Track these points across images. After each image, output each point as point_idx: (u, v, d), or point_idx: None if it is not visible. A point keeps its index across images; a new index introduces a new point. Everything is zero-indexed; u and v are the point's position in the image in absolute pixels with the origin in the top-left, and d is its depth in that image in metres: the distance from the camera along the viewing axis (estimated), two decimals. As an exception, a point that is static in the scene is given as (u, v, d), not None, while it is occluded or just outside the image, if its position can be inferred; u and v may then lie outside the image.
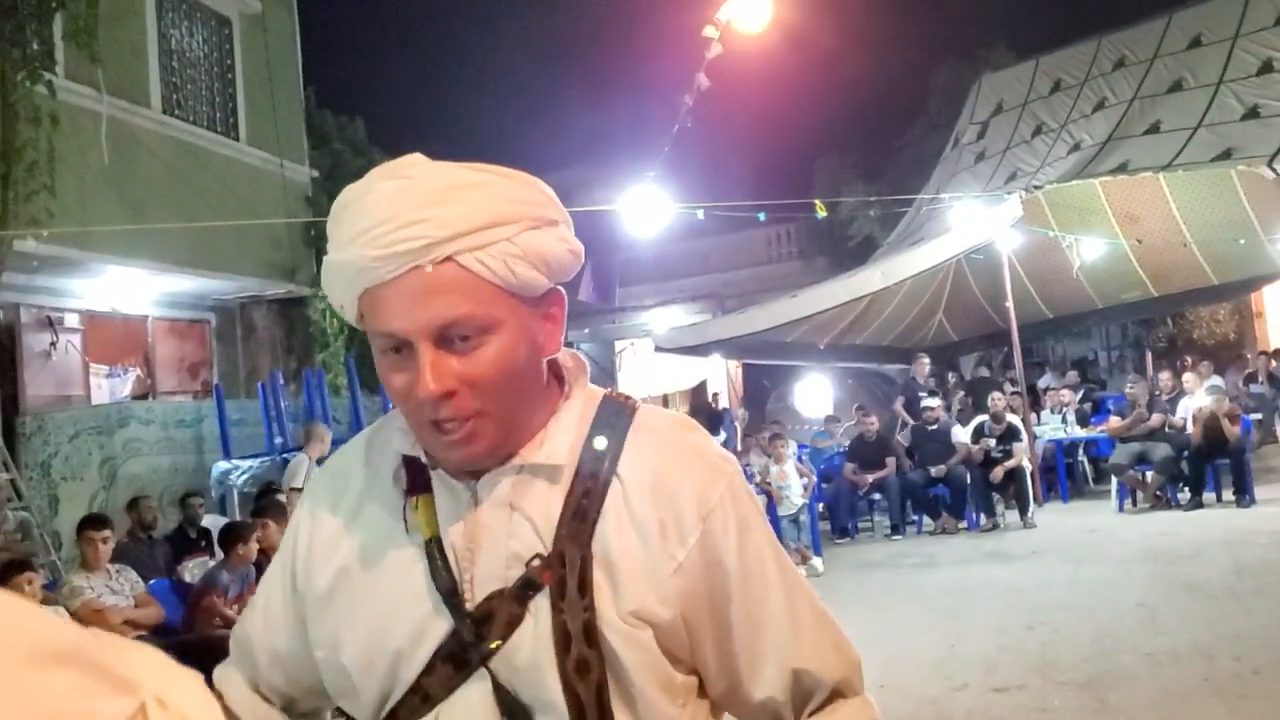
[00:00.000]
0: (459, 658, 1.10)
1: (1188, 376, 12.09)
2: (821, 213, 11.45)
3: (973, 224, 13.06)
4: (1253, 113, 12.35)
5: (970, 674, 5.50)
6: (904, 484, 11.53)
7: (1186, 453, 11.19)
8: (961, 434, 11.89)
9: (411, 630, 1.11)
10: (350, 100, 15.28)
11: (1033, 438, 12.52)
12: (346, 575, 1.17)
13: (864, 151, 22.12)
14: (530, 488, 1.12)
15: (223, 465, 9.65)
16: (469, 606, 1.10)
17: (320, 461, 8.29)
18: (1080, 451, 13.62)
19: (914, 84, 22.45)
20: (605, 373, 23.95)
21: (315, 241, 12.46)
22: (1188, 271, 15.32)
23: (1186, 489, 11.22)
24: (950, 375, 18.51)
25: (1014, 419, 12.09)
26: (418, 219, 1.02)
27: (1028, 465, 11.63)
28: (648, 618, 1.09)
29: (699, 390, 18.85)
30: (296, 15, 13.09)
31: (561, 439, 1.14)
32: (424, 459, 1.16)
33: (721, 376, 20.17)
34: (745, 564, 1.14)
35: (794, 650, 1.16)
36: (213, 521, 8.72)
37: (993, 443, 11.49)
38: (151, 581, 6.74)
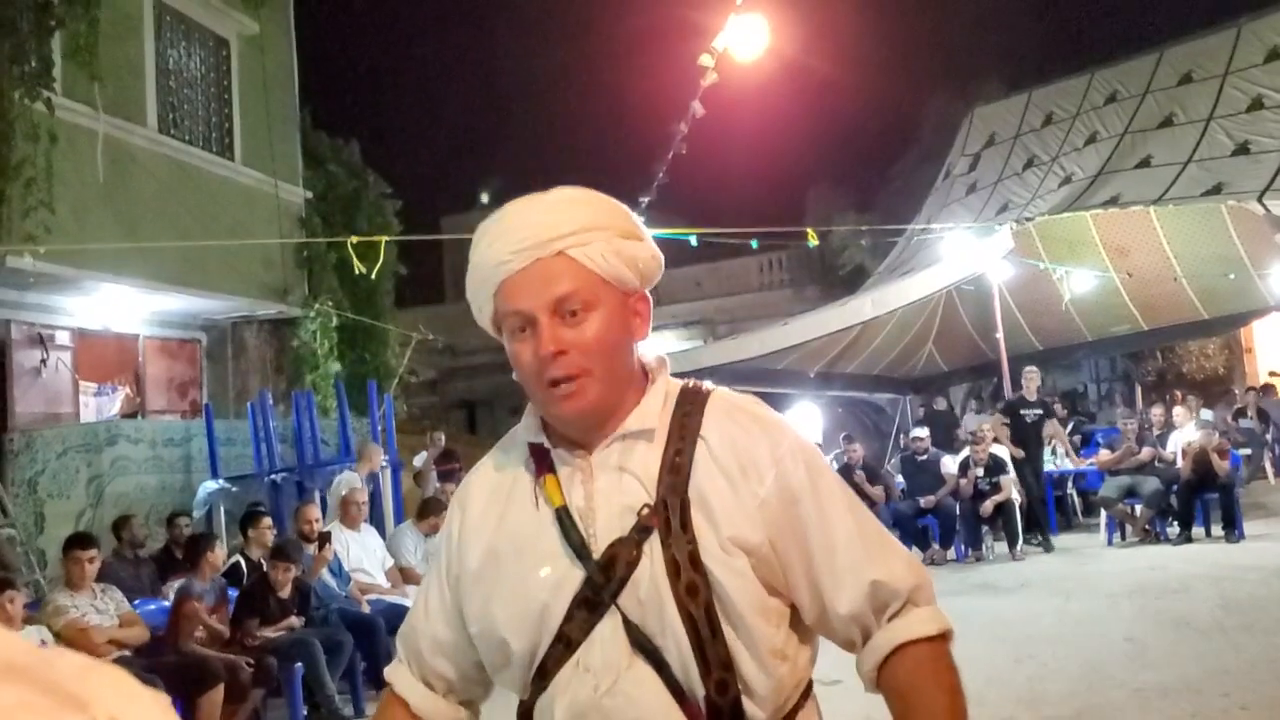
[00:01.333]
0: (592, 601, 1.34)
1: (1177, 411, 12.12)
2: (813, 241, 11.50)
3: (963, 255, 13.12)
4: (1242, 149, 12.46)
5: None
6: (893, 514, 11.53)
7: (1176, 487, 11.20)
8: (950, 465, 11.90)
9: (551, 585, 1.36)
10: (346, 122, 15.39)
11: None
12: (493, 552, 1.42)
13: (856, 181, 22.33)
14: (632, 451, 1.40)
15: (209, 485, 9.61)
16: (596, 556, 1.35)
17: (371, 477, 8.99)
18: (1070, 484, 13.63)
19: (906, 115, 22.69)
20: (596, 398, 23.95)
21: (307, 262, 12.44)
22: (1177, 306, 15.41)
23: (1175, 523, 11.23)
24: (937, 402, 18.57)
25: (1000, 451, 12.11)
26: (539, 222, 1.37)
27: (1016, 497, 11.64)
28: (741, 544, 1.34)
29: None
30: (294, 38, 13.14)
31: (652, 410, 1.41)
32: (546, 444, 1.44)
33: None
34: (817, 496, 1.38)
35: (868, 565, 1.37)
36: (199, 542, 8.69)
37: (980, 473, 11.50)
38: (137, 601, 6.69)
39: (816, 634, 1.43)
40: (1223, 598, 7.92)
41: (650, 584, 1.33)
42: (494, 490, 1.48)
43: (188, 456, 10.08)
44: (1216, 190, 11.99)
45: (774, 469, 1.37)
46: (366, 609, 7.23)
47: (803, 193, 22.95)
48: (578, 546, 1.36)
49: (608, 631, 1.34)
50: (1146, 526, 11.35)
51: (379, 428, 10.17)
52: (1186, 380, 18.27)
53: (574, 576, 1.35)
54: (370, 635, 6.85)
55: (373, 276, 10.68)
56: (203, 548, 6.53)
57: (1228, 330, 17.34)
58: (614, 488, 1.38)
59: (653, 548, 1.34)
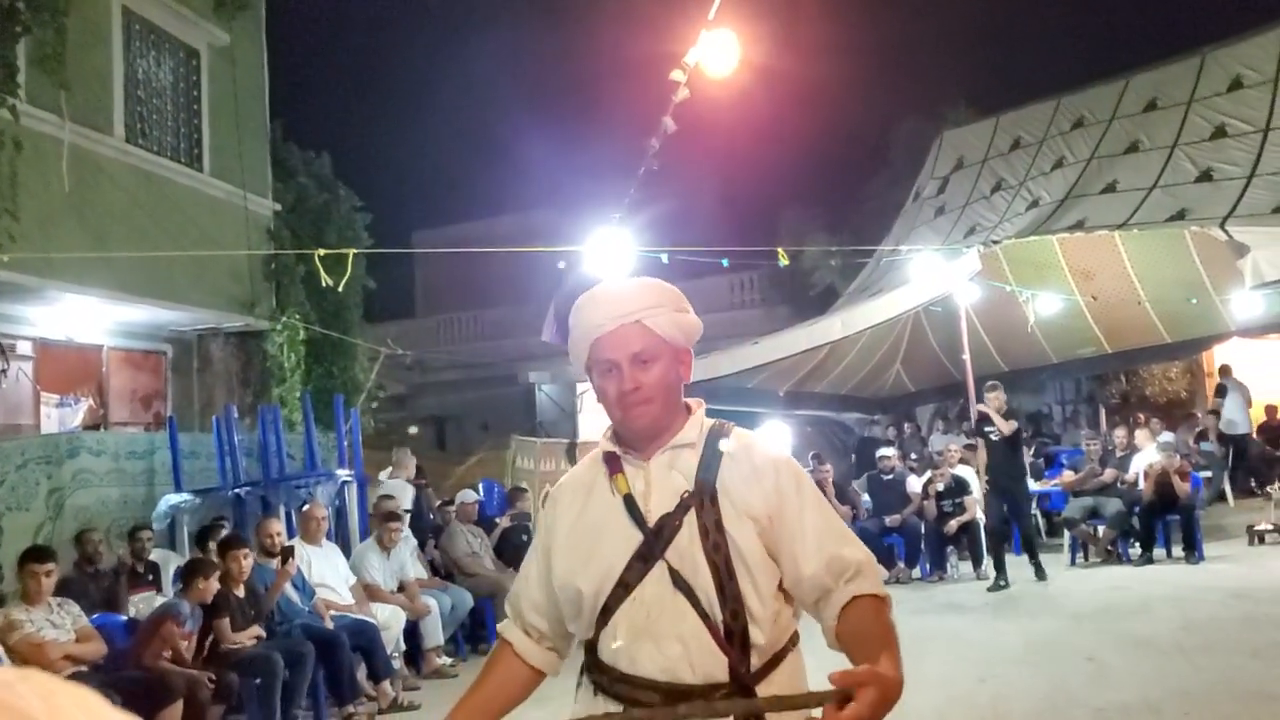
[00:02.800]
0: (646, 555, 1.95)
1: (1140, 433, 12.25)
2: (784, 261, 11.53)
3: (931, 277, 13.22)
4: (1206, 175, 12.65)
5: None
6: (859, 532, 11.55)
7: (1137, 508, 11.32)
8: (916, 484, 11.98)
9: (618, 545, 1.98)
10: (317, 135, 15.27)
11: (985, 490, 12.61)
12: (576, 527, 2.06)
13: (827, 202, 22.40)
14: (678, 457, 2.04)
15: (172, 498, 9.49)
16: (650, 524, 1.97)
17: (410, 480, 10.28)
18: (1034, 505, 13.72)
19: (877, 138, 22.83)
20: (566, 415, 23.87)
21: (275, 275, 12.35)
22: (1141, 329, 15.58)
23: (1137, 544, 11.35)
24: (906, 426, 18.68)
25: (964, 471, 12.21)
26: (623, 300, 2.04)
27: (981, 518, 11.72)
28: (750, 515, 1.96)
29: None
30: (265, 49, 13.07)
31: (692, 431, 2.06)
32: (618, 451, 2.07)
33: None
34: (800, 496, 2.00)
35: (830, 544, 1.96)
36: (161, 556, 8.57)
37: (939, 487, 11.59)
38: (95, 616, 6.59)
39: (793, 596, 2.00)
40: (1183, 618, 8.00)
41: (688, 543, 1.94)
42: (577, 488, 2.13)
43: (151, 469, 9.96)
44: (1180, 215, 12.15)
45: (774, 476, 2.01)
46: (330, 624, 7.17)
47: (774, 213, 23.05)
48: (638, 519, 1.98)
49: (657, 575, 1.94)
50: (1109, 547, 11.46)
51: (345, 443, 10.10)
52: (1149, 403, 18.45)
53: (635, 538, 1.97)
54: (333, 651, 6.79)
55: (341, 290, 10.63)
56: (200, 572, 6.38)
57: (1190, 354, 17.54)
58: (665, 480, 2.01)
59: (690, 519, 1.96)
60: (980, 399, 13.24)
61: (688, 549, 1.94)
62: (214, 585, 6.28)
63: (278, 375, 12.22)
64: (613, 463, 2.07)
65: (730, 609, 1.92)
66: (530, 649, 2.14)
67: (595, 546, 2.00)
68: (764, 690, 1.91)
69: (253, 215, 12.08)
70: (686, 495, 1.98)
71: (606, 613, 1.97)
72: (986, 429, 10.90)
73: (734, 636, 1.91)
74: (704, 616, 1.91)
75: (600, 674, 2.00)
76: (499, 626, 2.23)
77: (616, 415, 2.05)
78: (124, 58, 10.83)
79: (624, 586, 1.95)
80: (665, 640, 1.92)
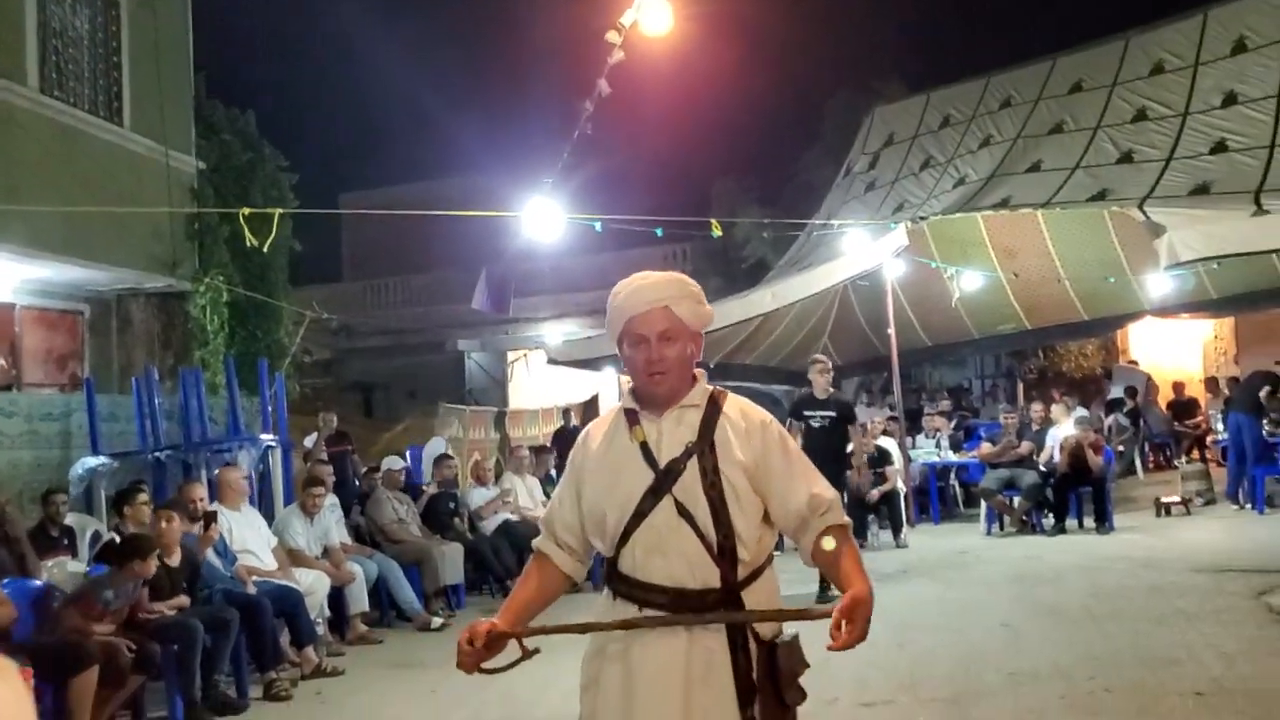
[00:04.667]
0: (657, 490, 2.46)
1: (1055, 408, 12.57)
2: (717, 233, 11.58)
3: (860, 251, 13.39)
4: (1127, 157, 12.94)
5: (841, 689, 5.61)
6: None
7: (1052, 480, 11.64)
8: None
9: (634, 482, 2.48)
10: (242, 92, 14.91)
11: (907, 460, 12.89)
12: (603, 464, 2.57)
13: (760, 175, 22.53)
14: (685, 415, 2.54)
15: (89, 461, 9.27)
16: (660, 467, 2.48)
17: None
18: (952, 476, 14.05)
19: (810, 112, 22.99)
20: (496, 383, 23.78)
21: (198, 235, 12.07)
22: (1059, 306, 15.97)
23: (1051, 515, 11.67)
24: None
25: (886, 442, 12.45)
26: (654, 288, 2.56)
27: (902, 488, 11.97)
28: (741, 465, 2.47)
29: (591, 404, 18.86)
30: (190, 1, 12.70)
31: (697, 396, 2.57)
32: (637, 408, 2.58)
33: (613, 391, 20.20)
34: (784, 449, 2.55)
35: (809, 485, 2.51)
36: (76, 520, 8.36)
37: (863, 458, 11.77)
38: (7, 581, 6.42)
39: (775, 527, 2.56)
40: (1093, 586, 8.27)
41: (691, 482, 2.45)
42: (605, 433, 2.62)
43: (67, 432, 9.73)
44: (1101, 196, 12.43)
45: (761, 433, 2.54)
46: (252, 590, 7.09)
47: (707, 184, 23.12)
48: (651, 462, 2.49)
49: (665, 506, 2.44)
50: (1024, 518, 11.78)
51: (269, 407, 9.96)
52: (1065, 379, 18.94)
53: (648, 477, 2.47)
54: (256, 616, 6.72)
55: (266, 252, 10.43)
56: (138, 552, 6.04)
57: (1105, 332, 18.03)
58: (674, 433, 2.51)
59: (693, 463, 2.46)
60: (904, 373, 13.50)
61: (690, 487, 2.44)
62: (152, 566, 6.11)
63: (200, 338, 11.97)
64: (631, 417, 2.57)
65: (723, 533, 2.43)
66: (563, 558, 2.65)
67: (617, 480, 2.51)
68: (749, 595, 2.45)
69: (175, 172, 11.76)
70: (691, 445, 2.48)
71: (626, 535, 2.47)
72: (806, 413, 9.04)
73: (725, 554, 2.43)
74: (702, 538, 2.43)
75: (620, 583, 2.51)
76: (535, 542, 2.71)
77: (641, 381, 2.56)
78: (38, 4, 10.43)
79: (639, 515, 2.46)
80: (672, 556, 2.44)
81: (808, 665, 2.47)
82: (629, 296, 2.55)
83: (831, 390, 9.42)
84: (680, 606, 2.42)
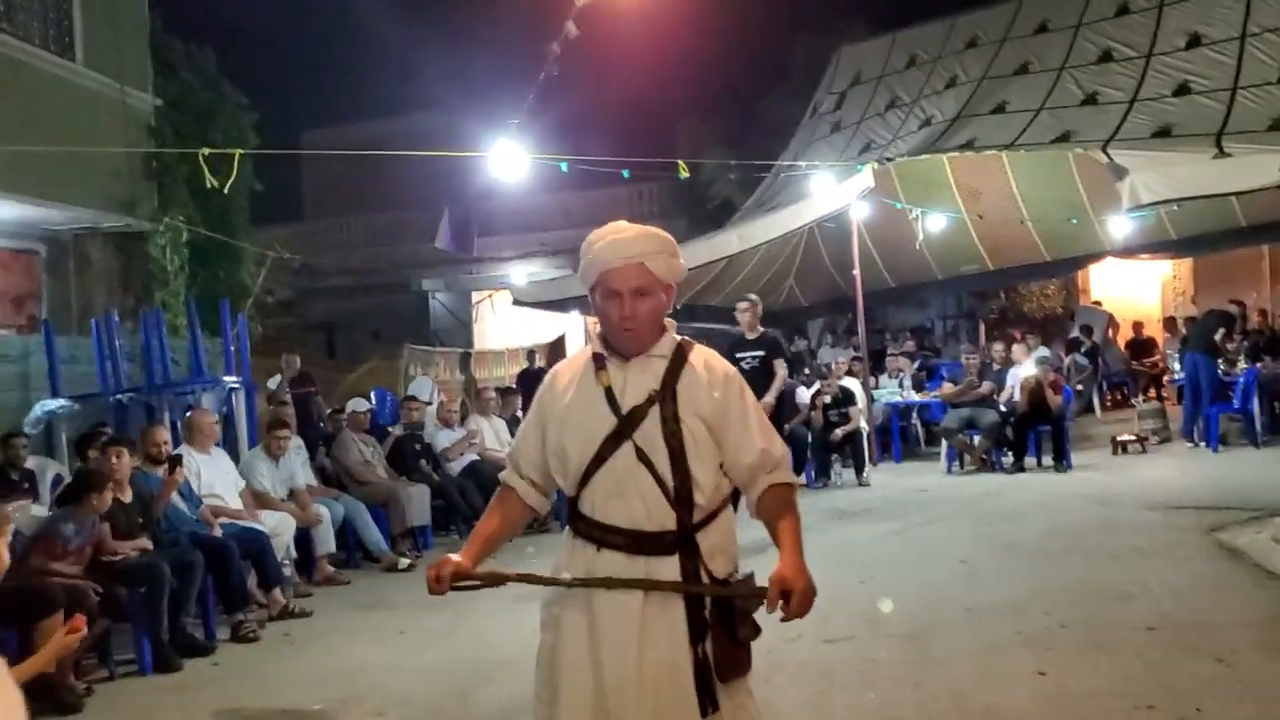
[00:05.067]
0: (618, 434, 2.53)
1: (1017, 348, 12.70)
2: (685, 173, 11.54)
3: (826, 193, 13.39)
4: (1091, 99, 12.98)
5: (803, 625, 5.61)
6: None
7: (1012, 419, 11.81)
8: (805, 395, 12.30)
9: (597, 425, 2.55)
10: (200, 28, 14.56)
11: (870, 401, 13.03)
12: (569, 407, 2.63)
13: (726, 115, 22.34)
14: (651, 363, 2.60)
15: (48, 403, 9.17)
16: (624, 412, 2.54)
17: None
18: (914, 415, 14.23)
19: (776, 51, 22.77)
20: (461, 324, 23.69)
21: (157, 174, 11.86)
22: (1022, 248, 16.09)
23: (1010, 454, 11.86)
24: (797, 339, 19.06)
25: (850, 383, 12.58)
26: (630, 243, 2.59)
27: (864, 427, 12.12)
28: (700, 416, 2.55)
29: (557, 345, 18.87)
30: (143, -71, 12.35)
31: (665, 346, 2.62)
32: (605, 354, 2.63)
33: (579, 332, 20.21)
34: (743, 402, 2.63)
35: (761, 441, 2.61)
36: (37, 463, 8.29)
37: (827, 398, 11.91)
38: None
39: (729, 476, 2.63)
40: (1050, 523, 8.44)
41: (651, 428, 2.53)
42: (572, 375, 2.68)
43: (25, 374, 9.60)
44: (1065, 138, 12.47)
45: (723, 386, 2.61)
46: (219, 532, 7.10)
47: (673, 124, 22.92)
48: (615, 407, 2.55)
49: (626, 451, 2.53)
50: (984, 456, 11.97)
51: (232, 349, 9.88)
52: (1026, 319, 19.13)
53: (610, 422, 2.55)
54: (223, 559, 6.73)
55: (226, 191, 10.29)
56: (93, 485, 6.05)
57: (1067, 273, 18.20)
58: (639, 380, 2.58)
59: (654, 411, 2.54)
60: (869, 313, 13.57)
61: (651, 433, 2.52)
62: (109, 498, 6.10)
63: (160, 278, 11.82)
64: (599, 361, 2.63)
65: (680, 479, 2.52)
66: (527, 491, 2.76)
67: (581, 422, 2.58)
68: (703, 537, 2.56)
69: (132, 110, 11.52)
70: (654, 393, 2.56)
71: (587, 477, 2.56)
72: (737, 355, 8.46)
73: (682, 499, 2.52)
74: (660, 483, 2.51)
75: (580, 523, 2.61)
76: (502, 475, 2.83)
77: (612, 332, 2.61)
78: (-14, -65, 10.13)
79: (600, 458, 2.54)
80: (631, 499, 2.52)
81: (761, 602, 2.52)
82: (604, 249, 2.58)
83: (760, 329, 9.03)
84: (637, 547, 2.52)
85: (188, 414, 8.16)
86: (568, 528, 2.69)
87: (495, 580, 2.66)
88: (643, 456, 2.51)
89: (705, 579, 2.53)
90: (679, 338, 2.68)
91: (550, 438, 2.66)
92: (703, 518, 2.56)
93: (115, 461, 6.48)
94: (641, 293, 2.56)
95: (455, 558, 2.68)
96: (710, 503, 2.57)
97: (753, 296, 9.28)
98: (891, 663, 5.09)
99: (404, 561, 8.70)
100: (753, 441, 2.59)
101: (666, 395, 2.55)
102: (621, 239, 2.60)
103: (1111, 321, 17.66)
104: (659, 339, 2.63)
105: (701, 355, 2.66)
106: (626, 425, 2.53)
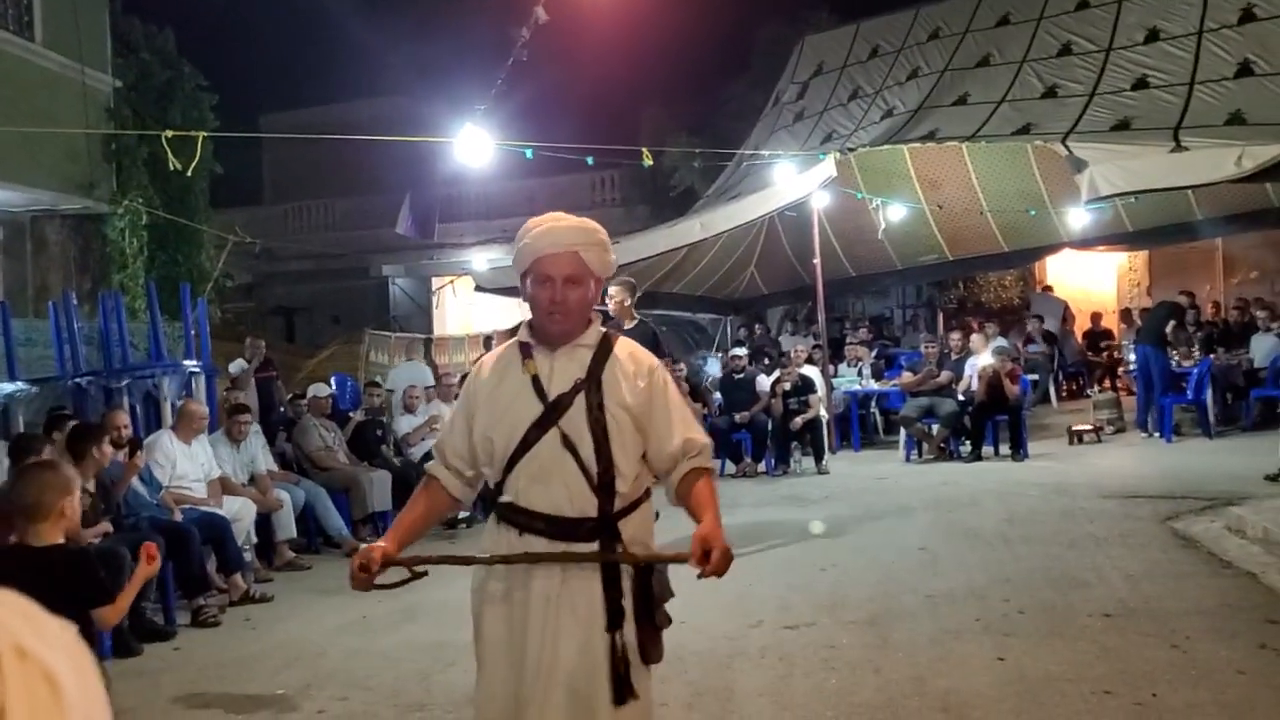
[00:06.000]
0: (543, 422, 2.59)
1: (975, 338, 12.83)
2: (648, 161, 11.55)
3: (788, 182, 13.44)
4: (1051, 92, 13.12)
5: (764, 612, 5.79)
6: (710, 429, 11.89)
7: (970, 409, 11.95)
8: (765, 383, 12.37)
9: (523, 412, 2.61)
10: (159, 9, 14.34)
11: (830, 389, 13.13)
12: (495, 394, 2.69)
13: (689, 103, 22.36)
14: (577, 353, 2.67)
15: (4, 387, 9.03)
16: (550, 399, 2.60)
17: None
18: (873, 404, 14.35)
19: (739, 40, 22.81)
20: (420, 310, 23.55)
21: (115, 156, 11.69)
22: (981, 238, 16.25)
23: (968, 442, 12.00)
24: (757, 327, 19.14)
25: (810, 370, 12.66)
26: (566, 233, 2.66)
27: (824, 415, 12.21)
28: (625, 405, 2.62)
29: (515, 332, 18.80)
30: (102, -92, 12.14)
31: (591, 336, 2.69)
32: (532, 343, 2.69)
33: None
34: (665, 393, 2.70)
35: (684, 430, 2.68)
36: (-4, 447, 8.18)
37: (787, 386, 11.98)
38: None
39: (651, 466, 2.69)
40: (1007, 511, 8.56)
41: (576, 416, 2.59)
42: (497, 364, 2.75)
43: (-21, 357, 9.45)
44: (1025, 130, 12.61)
45: (647, 376, 2.68)
46: (179, 517, 7.05)
47: (636, 112, 22.91)
48: (541, 395, 2.61)
49: (550, 438, 2.58)
50: (942, 445, 12.10)
51: (192, 332, 9.78)
52: (984, 309, 19.32)
53: (536, 409, 2.60)
54: (182, 543, 6.69)
55: (188, 174, 10.17)
56: (30, 452, 6.00)
57: (1025, 263, 18.41)
58: (565, 369, 2.65)
59: (580, 399, 2.60)
60: (829, 302, 13.63)
61: (576, 420, 2.58)
62: (109, 452, 6.05)
63: (119, 261, 11.67)
64: (525, 350, 2.70)
65: (603, 466, 2.58)
66: (452, 482, 2.78)
67: (507, 410, 2.64)
68: (624, 526, 2.62)
69: (90, 91, 11.35)
70: (580, 381, 2.62)
71: (511, 463, 2.61)
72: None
73: (604, 486, 2.58)
74: (583, 470, 2.57)
75: (504, 509, 2.66)
76: (428, 466, 2.86)
77: (541, 318, 2.67)
78: (-61, -90, 9.93)
79: (525, 444, 2.59)
80: (553, 485, 2.58)
81: (673, 594, 2.64)
82: (540, 236, 2.66)
83: (637, 318, 7.42)
84: (557, 533, 2.58)
85: (180, 401, 8.08)
86: (492, 514, 2.74)
87: (415, 574, 2.69)
88: (567, 443, 2.56)
89: (624, 567, 2.60)
90: (604, 330, 2.75)
91: (477, 425, 2.70)
92: (624, 506, 2.62)
93: (96, 453, 6.41)
94: (572, 281, 2.62)
95: (380, 544, 2.71)
96: (631, 492, 2.64)
97: (627, 279, 7.66)
98: (852, 648, 5.15)
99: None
100: (675, 431, 2.66)
101: (592, 384, 2.61)
102: (558, 227, 2.67)
103: (1067, 309, 17.88)
104: (585, 329, 2.70)
105: (627, 347, 2.74)
106: (552, 412, 2.59)
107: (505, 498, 2.65)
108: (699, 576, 2.51)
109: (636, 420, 2.63)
